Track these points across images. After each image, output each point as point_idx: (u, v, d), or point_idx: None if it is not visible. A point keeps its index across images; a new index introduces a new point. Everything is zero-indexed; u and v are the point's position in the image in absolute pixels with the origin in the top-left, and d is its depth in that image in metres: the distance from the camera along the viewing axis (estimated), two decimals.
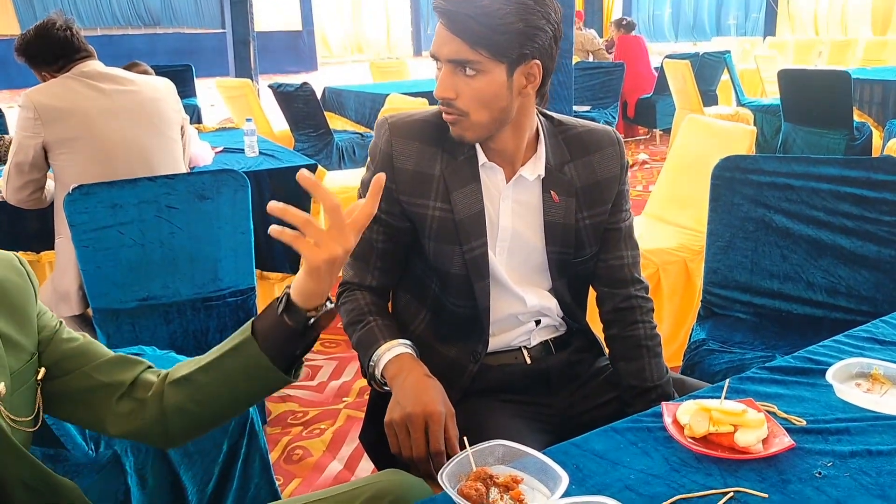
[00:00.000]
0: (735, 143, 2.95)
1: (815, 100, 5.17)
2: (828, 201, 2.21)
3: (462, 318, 1.50)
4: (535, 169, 1.46)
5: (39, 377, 1.08)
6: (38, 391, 1.08)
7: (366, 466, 2.49)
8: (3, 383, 1.00)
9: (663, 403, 1.22)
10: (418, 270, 1.53)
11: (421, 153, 1.44)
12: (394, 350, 1.40)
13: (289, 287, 1.06)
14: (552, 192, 1.47)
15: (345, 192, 4.02)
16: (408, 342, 1.44)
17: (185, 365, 1.12)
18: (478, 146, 1.45)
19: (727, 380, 1.25)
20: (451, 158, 1.44)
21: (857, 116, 5.53)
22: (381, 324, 1.46)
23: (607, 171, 1.52)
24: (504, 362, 1.54)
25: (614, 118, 6.91)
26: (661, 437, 1.15)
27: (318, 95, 5.73)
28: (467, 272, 1.45)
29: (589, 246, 1.53)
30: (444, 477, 1.01)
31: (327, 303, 1.06)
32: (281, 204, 0.97)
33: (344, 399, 2.93)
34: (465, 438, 1.07)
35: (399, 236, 1.49)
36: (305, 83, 5.30)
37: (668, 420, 1.18)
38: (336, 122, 6.03)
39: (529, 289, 1.52)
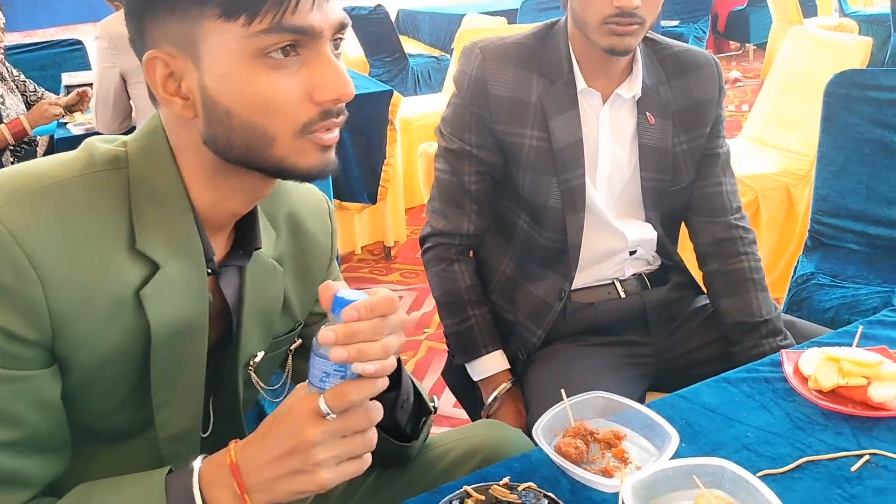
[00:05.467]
0: (847, 56, 2.69)
1: None
2: None
3: (552, 253, 1.40)
4: (631, 88, 1.36)
5: (293, 347, 1.00)
6: (290, 360, 1.00)
7: (449, 398, 2.45)
8: (262, 352, 0.92)
9: (782, 351, 1.10)
10: (502, 208, 1.44)
11: (517, 79, 1.34)
12: (498, 386, 1.41)
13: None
14: (648, 114, 1.37)
15: (421, 119, 3.90)
16: (506, 363, 1.43)
17: None
18: (577, 69, 1.34)
19: (860, 325, 1.11)
20: (548, 83, 1.34)
21: None
22: (482, 322, 1.43)
23: (704, 92, 1.42)
24: (596, 298, 1.44)
25: (704, 33, 6.49)
26: (780, 390, 1.04)
27: (392, 18, 5.55)
28: (562, 205, 1.35)
29: (686, 173, 1.42)
30: (538, 432, 0.93)
31: None
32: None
33: (424, 330, 2.89)
34: (563, 390, 0.98)
35: (491, 173, 1.40)
36: (379, 5, 5.12)
37: (788, 370, 1.06)
38: (410, 46, 5.85)
39: (628, 221, 1.42)
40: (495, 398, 1.40)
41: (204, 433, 0.89)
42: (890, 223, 2.06)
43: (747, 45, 7.54)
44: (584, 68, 1.34)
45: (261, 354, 0.91)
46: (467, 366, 1.44)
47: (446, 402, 2.44)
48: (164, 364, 0.80)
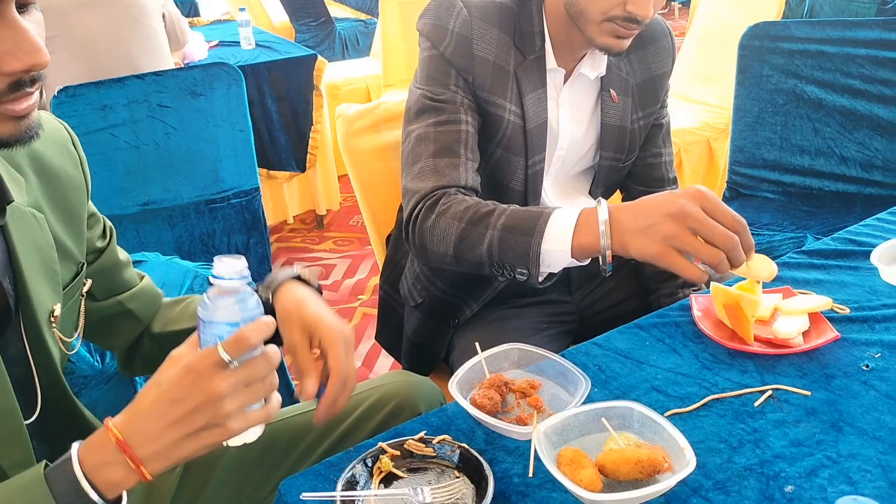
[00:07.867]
0: (763, 9, 2.75)
1: None
2: (865, 68, 2.04)
3: None
4: (594, 65, 1.28)
5: (85, 290, 0.93)
6: (82, 306, 0.94)
7: (384, 363, 2.46)
8: (59, 304, 0.86)
9: (692, 296, 1.13)
10: None
11: (500, 44, 1.21)
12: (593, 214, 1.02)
13: None
14: (612, 92, 1.31)
15: (349, 84, 3.85)
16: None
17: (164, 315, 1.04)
18: (549, 46, 1.25)
19: None
20: (521, 56, 1.23)
21: None
22: (518, 208, 1.09)
23: (660, 65, 1.36)
24: None
25: None
26: (690, 333, 1.06)
27: None
28: (525, 189, 1.29)
29: (639, 150, 1.39)
30: (454, 386, 0.93)
31: None
32: None
33: (359, 297, 2.88)
34: (477, 343, 0.98)
35: (476, 126, 1.24)
36: None
37: (697, 313, 1.09)
38: (336, 10, 5.73)
39: (569, 201, 1.37)
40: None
41: (31, 416, 0.84)
42: (802, 171, 2.13)
43: (673, 2, 7.63)
44: (554, 45, 1.26)
45: (58, 307, 0.86)
46: (545, 243, 1.03)
47: (382, 367, 2.45)
48: None
